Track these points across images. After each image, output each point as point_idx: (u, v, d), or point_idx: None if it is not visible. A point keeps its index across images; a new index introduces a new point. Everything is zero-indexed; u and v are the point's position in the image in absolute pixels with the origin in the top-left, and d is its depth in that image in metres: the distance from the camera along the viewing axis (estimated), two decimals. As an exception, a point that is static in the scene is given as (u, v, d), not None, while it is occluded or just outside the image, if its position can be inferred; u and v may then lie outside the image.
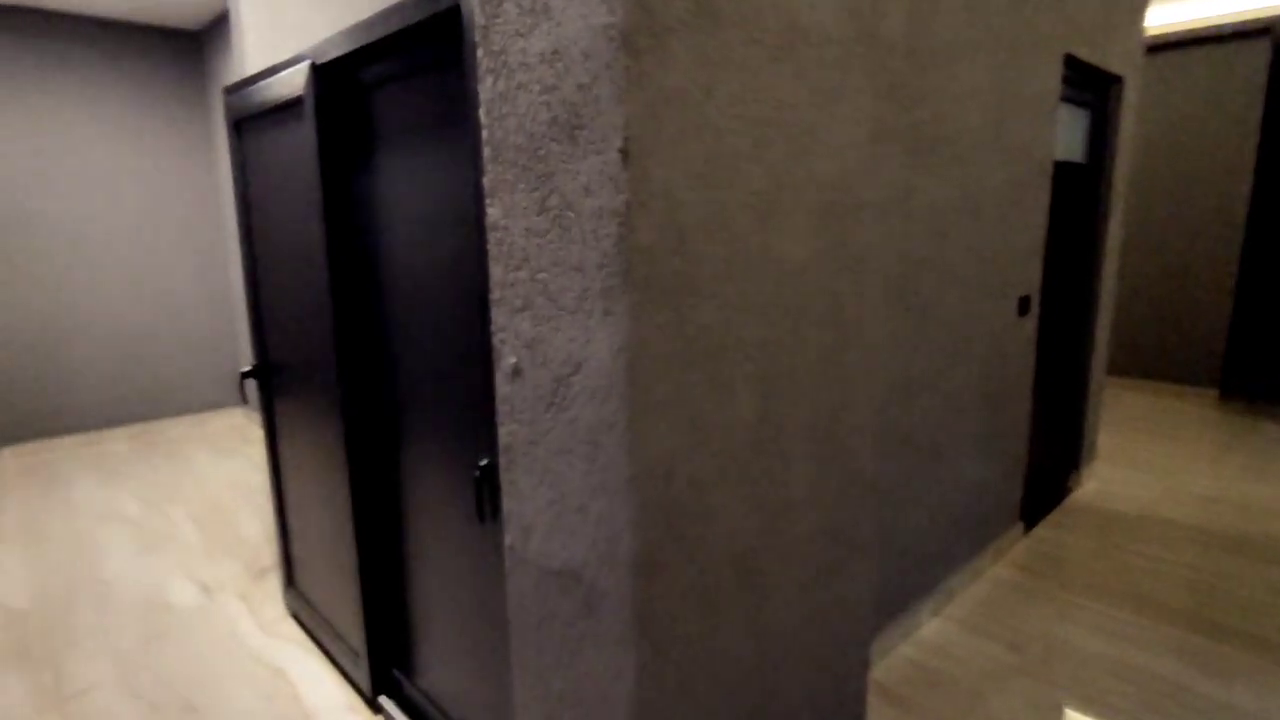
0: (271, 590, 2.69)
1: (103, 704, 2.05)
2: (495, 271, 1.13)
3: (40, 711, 2.02)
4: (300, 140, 1.79)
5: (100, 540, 3.14)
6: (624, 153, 0.88)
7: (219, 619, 2.49)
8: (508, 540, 1.21)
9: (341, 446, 1.85)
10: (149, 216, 4.59)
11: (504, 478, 1.19)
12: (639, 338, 0.93)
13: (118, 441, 4.57)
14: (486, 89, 1.08)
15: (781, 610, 1.24)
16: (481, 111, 1.10)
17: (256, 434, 4.72)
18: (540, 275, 1.04)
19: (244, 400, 2.31)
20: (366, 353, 1.81)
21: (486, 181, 1.12)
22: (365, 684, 1.99)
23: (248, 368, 2.33)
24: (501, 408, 1.16)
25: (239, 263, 4.69)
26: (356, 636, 1.98)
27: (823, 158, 1.18)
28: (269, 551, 3.01)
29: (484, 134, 1.11)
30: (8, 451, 4.21)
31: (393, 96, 1.53)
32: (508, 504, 1.19)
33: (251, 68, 2.50)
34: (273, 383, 2.29)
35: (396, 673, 1.95)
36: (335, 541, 2.02)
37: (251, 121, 2.05)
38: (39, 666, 2.24)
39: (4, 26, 4.01)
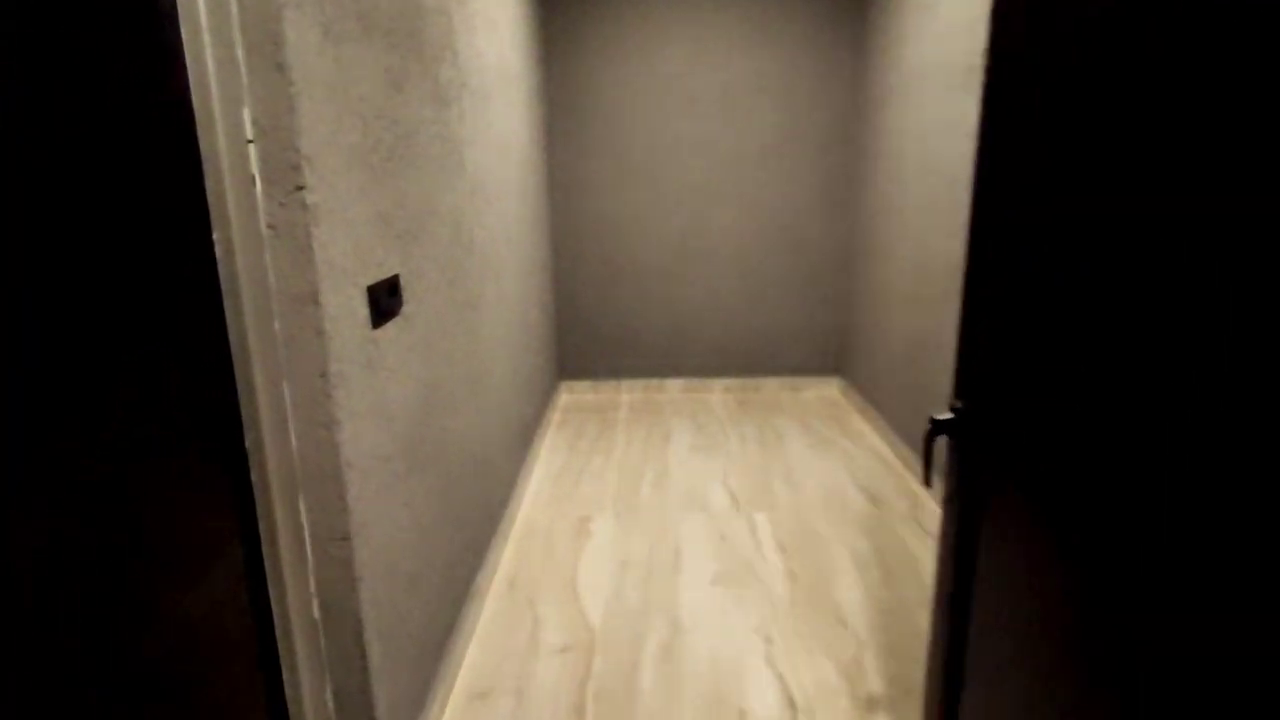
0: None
1: None
2: None
3: None
4: None
5: (683, 533, 2.59)
6: None
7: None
8: None
9: None
10: (782, 141, 3.94)
11: None
12: None
13: (712, 392, 4.24)
14: None
15: None
16: None
17: (854, 423, 3.79)
18: None
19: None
20: None
21: None
22: None
23: (942, 414, 0.91)
24: None
25: (873, 213, 3.69)
26: None
27: None
28: (878, 666, 1.93)
29: None
30: (625, 385, 4.25)
31: None
32: None
33: None
34: (987, 445, 1.05)
35: None
36: None
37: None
38: (586, 760, 1.60)
39: (682, -66, 3.68)
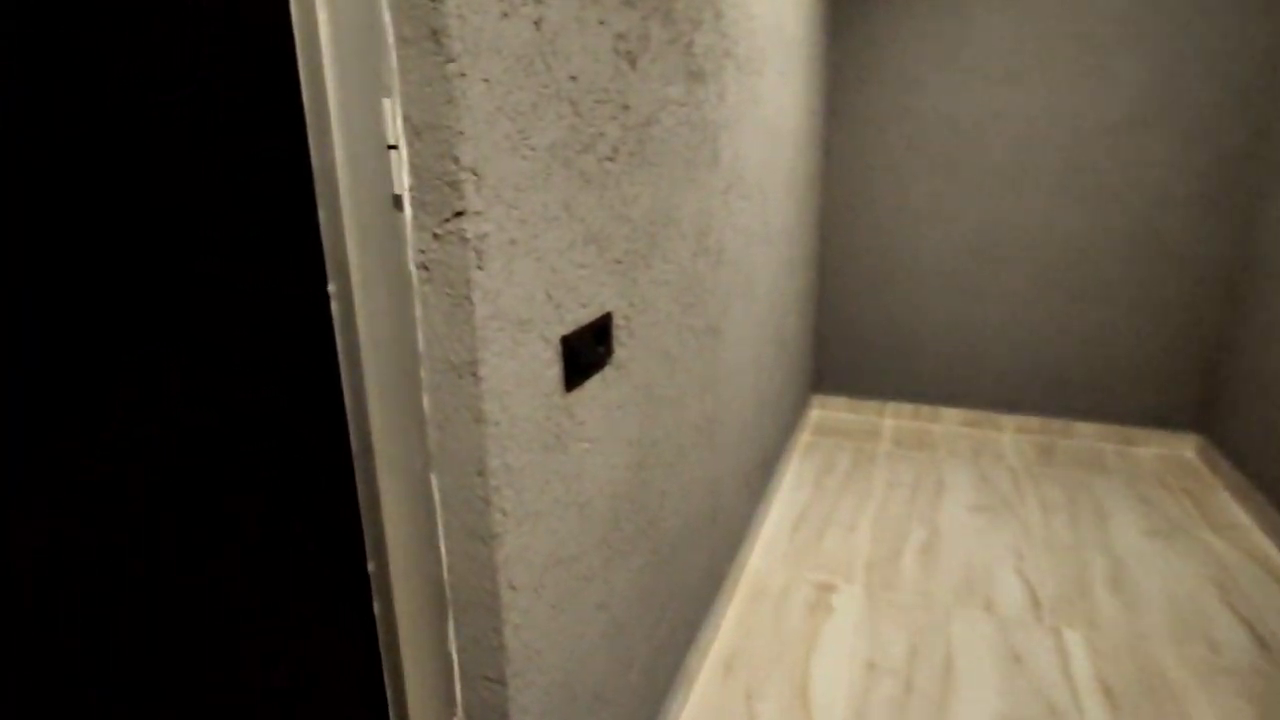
0: None
1: None
2: None
3: None
4: None
5: (957, 638, 1.97)
6: None
7: None
8: None
9: None
10: (1141, 115, 2.93)
11: None
12: None
13: (1003, 432, 3.39)
14: None
15: None
16: None
17: (1221, 504, 2.75)
18: None
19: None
20: None
21: None
22: None
23: None
24: None
25: (1290, 201, 2.57)
26: None
27: None
28: None
29: None
30: (890, 409, 3.58)
31: None
32: None
33: None
34: None
35: None
36: None
37: None
38: None
39: None
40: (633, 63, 1.14)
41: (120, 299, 0.56)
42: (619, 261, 1.16)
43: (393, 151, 0.72)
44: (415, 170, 0.75)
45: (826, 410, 3.69)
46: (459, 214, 0.75)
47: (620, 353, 1.19)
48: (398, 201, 0.74)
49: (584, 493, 1.10)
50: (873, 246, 3.43)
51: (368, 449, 0.79)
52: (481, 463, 0.83)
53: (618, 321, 1.18)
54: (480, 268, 0.79)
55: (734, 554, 2.20)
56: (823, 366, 3.68)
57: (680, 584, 1.67)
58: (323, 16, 0.68)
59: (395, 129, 0.72)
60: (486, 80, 0.77)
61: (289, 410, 0.73)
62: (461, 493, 0.86)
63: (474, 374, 0.80)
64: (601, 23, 1.02)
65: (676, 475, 1.55)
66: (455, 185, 0.74)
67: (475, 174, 0.76)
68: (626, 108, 1.13)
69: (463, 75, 0.73)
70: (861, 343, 3.57)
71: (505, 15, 0.79)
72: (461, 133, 0.73)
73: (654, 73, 1.23)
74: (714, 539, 1.94)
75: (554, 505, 1.01)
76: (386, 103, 0.71)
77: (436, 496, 0.86)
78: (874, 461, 3.13)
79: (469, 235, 0.76)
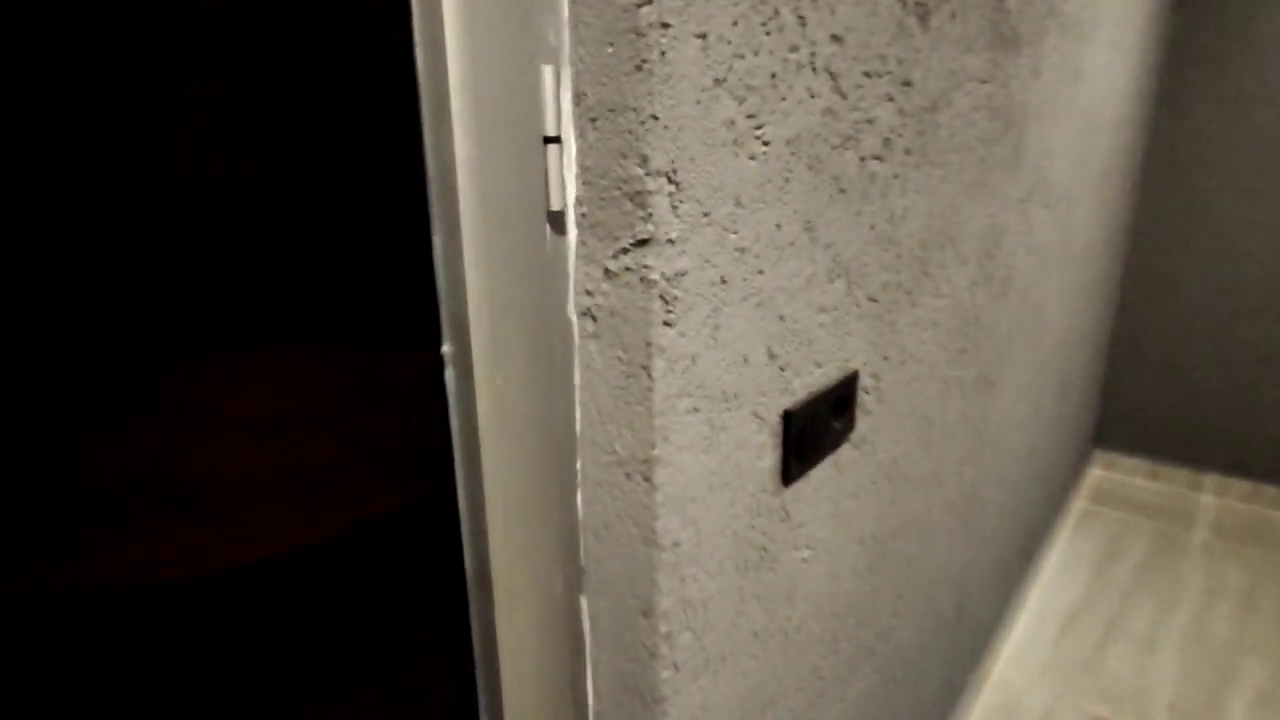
0: None
1: None
2: None
3: None
4: None
5: None
6: None
7: None
8: None
9: None
10: None
11: None
12: None
13: (1400, 540, 2.42)
14: None
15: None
16: None
17: None
18: None
19: None
20: None
21: None
22: None
23: None
24: None
25: None
26: None
27: None
28: None
29: None
30: (1210, 481, 2.74)
31: None
32: None
33: None
34: None
35: None
36: None
37: None
38: None
39: None
40: (924, 19, 0.80)
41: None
42: (874, 300, 0.83)
43: (552, 146, 0.48)
44: (585, 174, 0.50)
45: (1112, 472, 2.94)
46: (642, 242, 0.49)
47: (863, 424, 0.87)
48: (556, 220, 0.50)
49: (794, 617, 0.80)
50: (1205, 268, 2.63)
51: (483, 568, 0.57)
52: (649, 600, 0.57)
53: (865, 382, 0.85)
54: (669, 323, 0.52)
55: (977, 661, 1.74)
56: (1110, 414, 2.93)
57: (908, 704, 1.30)
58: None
59: (559, 111, 0.48)
60: (702, 36, 0.49)
61: (390, 520, 0.54)
62: (618, 634, 0.61)
63: (647, 476, 0.54)
64: (885, -41, 0.70)
65: (917, 572, 1.18)
66: (639, 199, 0.48)
67: (672, 181, 0.50)
68: (908, 84, 0.80)
69: (665, 27, 0.46)
70: (1174, 388, 2.78)
71: (741, -63, 0.51)
72: (655, 117, 0.47)
73: (951, 34, 0.88)
74: (955, 644, 1.52)
75: (749, 640, 0.72)
76: (547, 71, 0.47)
77: (587, 631, 0.61)
78: (1185, 553, 2.40)
79: (655, 274, 0.50)
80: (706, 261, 0.55)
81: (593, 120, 0.49)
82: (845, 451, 0.83)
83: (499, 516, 0.57)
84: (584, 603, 0.61)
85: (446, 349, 0.52)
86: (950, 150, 0.95)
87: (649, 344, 0.51)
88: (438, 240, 0.50)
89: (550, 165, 0.48)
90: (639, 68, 0.46)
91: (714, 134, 0.52)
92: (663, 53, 0.47)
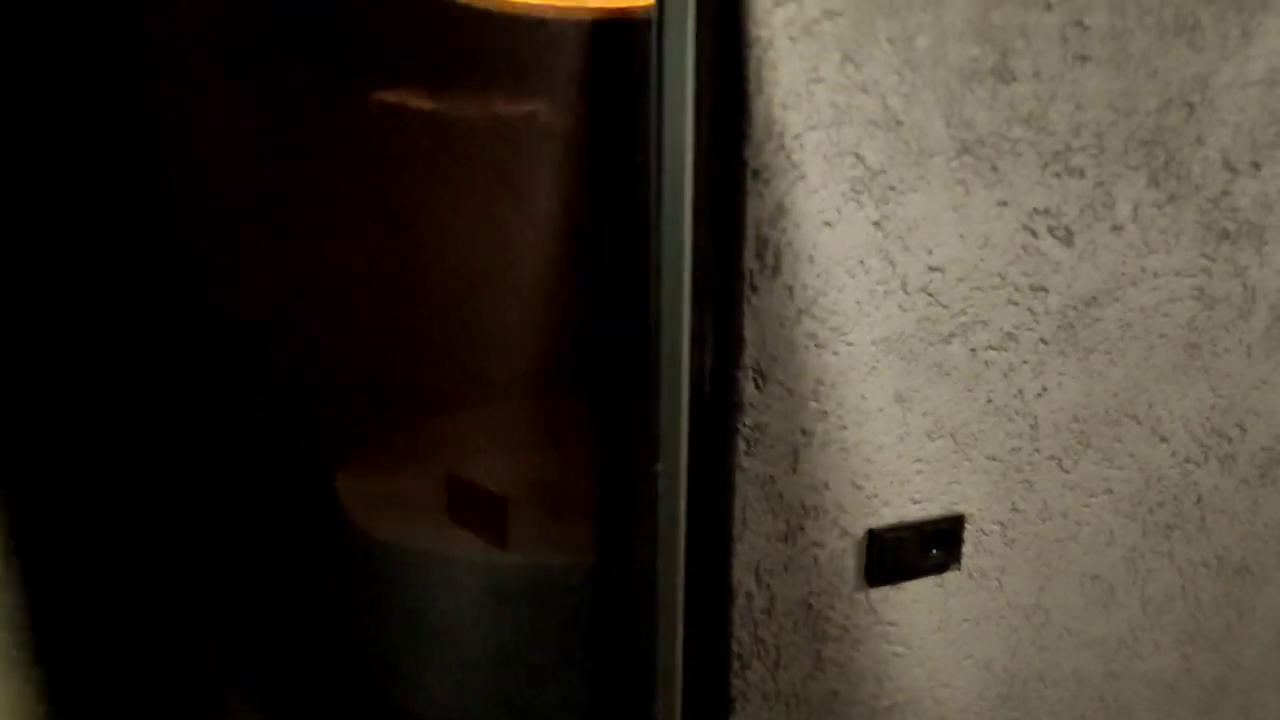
0: None
1: None
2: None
3: None
4: None
5: None
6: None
7: None
8: None
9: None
10: None
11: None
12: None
13: None
14: None
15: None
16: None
17: None
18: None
19: None
20: None
21: None
22: None
23: None
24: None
25: None
26: None
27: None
28: None
29: None
30: None
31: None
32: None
33: None
34: None
35: None
36: None
37: None
38: None
39: None
40: (1068, 240, 0.97)
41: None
42: (994, 459, 1.00)
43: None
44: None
45: None
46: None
47: (981, 560, 1.02)
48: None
49: (882, 697, 1.01)
50: None
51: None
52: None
53: (984, 525, 1.02)
54: (750, 454, 0.85)
55: None
56: None
57: None
58: None
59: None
60: (788, 288, 0.83)
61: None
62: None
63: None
64: (1005, 203, 0.92)
65: (1095, 734, 1.19)
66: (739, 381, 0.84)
67: (758, 373, 0.83)
68: (1041, 290, 0.97)
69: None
70: None
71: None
72: (744, 337, 0.82)
73: (1115, 245, 1.01)
74: None
75: (828, 696, 0.97)
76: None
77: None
78: None
79: (740, 425, 0.84)
80: (788, 421, 0.86)
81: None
82: (952, 577, 1.01)
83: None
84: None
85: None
86: (1122, 340, 1.05)
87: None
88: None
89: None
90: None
91: (794, 343, 0.85)
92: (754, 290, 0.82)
